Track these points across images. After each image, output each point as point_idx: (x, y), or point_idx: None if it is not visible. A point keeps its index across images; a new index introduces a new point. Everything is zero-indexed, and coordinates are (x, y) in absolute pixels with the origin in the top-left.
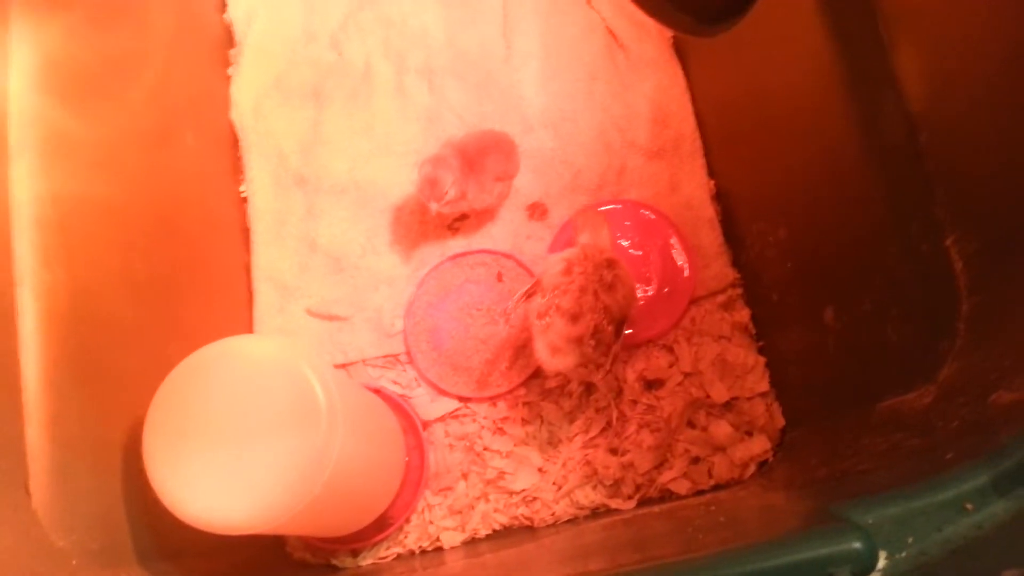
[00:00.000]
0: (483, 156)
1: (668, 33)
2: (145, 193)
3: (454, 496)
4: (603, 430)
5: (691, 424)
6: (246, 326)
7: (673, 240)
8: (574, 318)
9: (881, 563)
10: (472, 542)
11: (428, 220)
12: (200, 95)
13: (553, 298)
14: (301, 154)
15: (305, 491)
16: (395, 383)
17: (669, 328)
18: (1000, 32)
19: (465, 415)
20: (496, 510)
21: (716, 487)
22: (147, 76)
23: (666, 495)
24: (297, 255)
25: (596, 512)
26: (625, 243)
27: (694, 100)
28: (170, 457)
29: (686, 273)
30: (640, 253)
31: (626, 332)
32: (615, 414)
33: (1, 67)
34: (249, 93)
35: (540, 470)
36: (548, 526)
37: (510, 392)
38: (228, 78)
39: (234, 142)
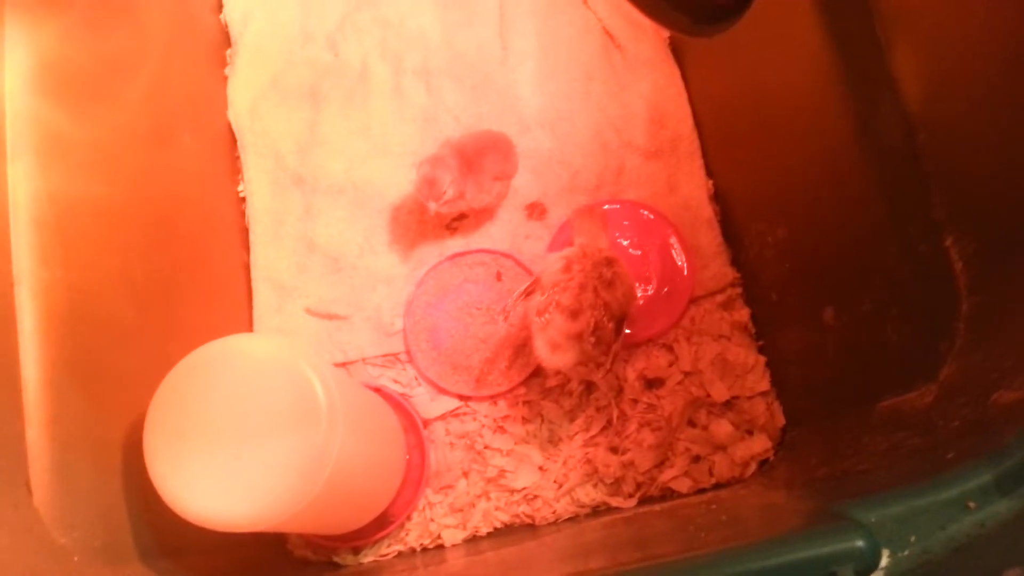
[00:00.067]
0: (481, 156)
1: (664, 33)
2: (143, 193)
3: (455, 494)
4: (604, 429)
5: (692, 423)
6: (245, 325)
7: (672, 240)
8: (574, 315)
9: (884, 561)
10: (473, 540)
11: (426, 220)
12: (197, 95)
13: (553, 295)
14: (298, 154)
15: (306, 489)
16: (395, 382)
17: (669, 327)
18: (998, 32)
19: (465, 413)
20: (497, 508)
21: (717, 486)
22: (143, 76)
23: (667, 493)
24: (295, 255)
25: (597, 510)
26: (624, 243)
27: (691, 100)
28: (171, 455)
29: (685, 273)
30: (639, 253)
31: (626, 332)
32: (615, 413)
33: None
34: (246, 93)
35: (541, 468)
36: (549, 524)
37: (510, 391)
38: (225, 78)
39: (231, 142)
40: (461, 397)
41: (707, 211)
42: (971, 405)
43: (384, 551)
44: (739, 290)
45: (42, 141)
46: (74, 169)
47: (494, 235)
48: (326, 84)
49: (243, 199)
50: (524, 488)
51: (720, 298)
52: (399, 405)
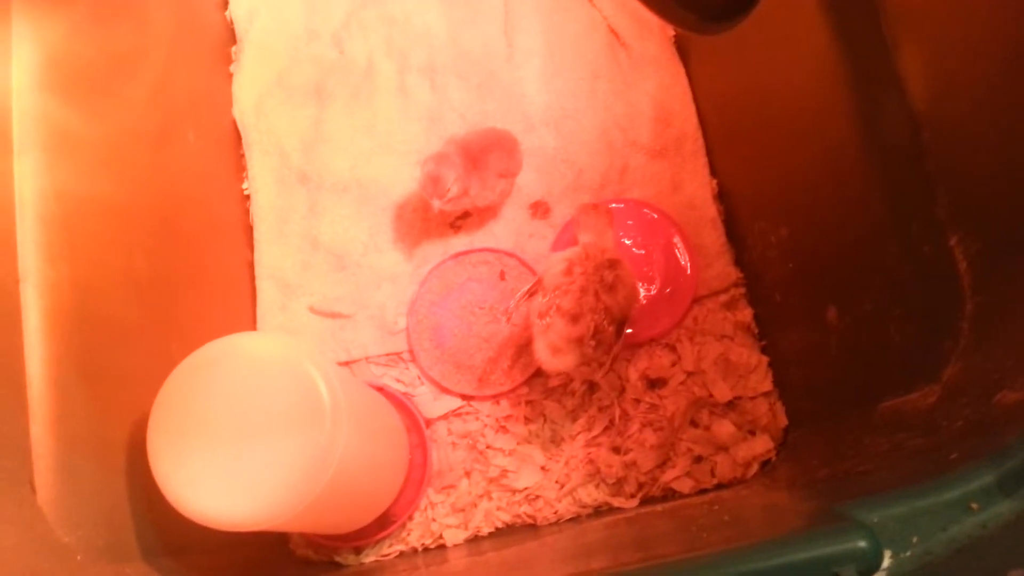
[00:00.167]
0: (486, 153)
1: (670, 31)
2: (148, 190)
3: (457, 494)
4: (606, 429)
5: (694, 423)
6: (249, 324)
7: (676, 239)
8: (574, 319)
9: (886, 562)
10: (475, 540)
11: (430, 218)
12: (202, 93)
13: (554, 298)
14: (303, 152)
15: (309, 489)
16: (398, 381)
17: (672, 327)
18: (1002, 32)
19: (468, 413)
20: (499, 508)
21: (719, 486)
22: (149, 73)
23: (669, 494)
24: (300, 253)
25: (599, 510)
26: (628, 242)
27: (696, 99)
28: (174, 454)
29: (688, 272)
30: (643, 252)
31: (628, 331)
32: (618, 413)
33: (4, 64)
34: (251, 91)
35: (543, 468)
36: (551, 524)
37: (512, 390)
38: (230, 76)
39: (236, 140)
40: (464, 396)
41: (711, 210)
42: (974, 406)
43: (386, 551)
44: (742, 290)
45: (48, 138)
46: (80, 166)
47: (498, 234)
48: (331, 82)
49: (247, 197)
50: (526, 488)
51: (723, 298)
52: (402, 404)
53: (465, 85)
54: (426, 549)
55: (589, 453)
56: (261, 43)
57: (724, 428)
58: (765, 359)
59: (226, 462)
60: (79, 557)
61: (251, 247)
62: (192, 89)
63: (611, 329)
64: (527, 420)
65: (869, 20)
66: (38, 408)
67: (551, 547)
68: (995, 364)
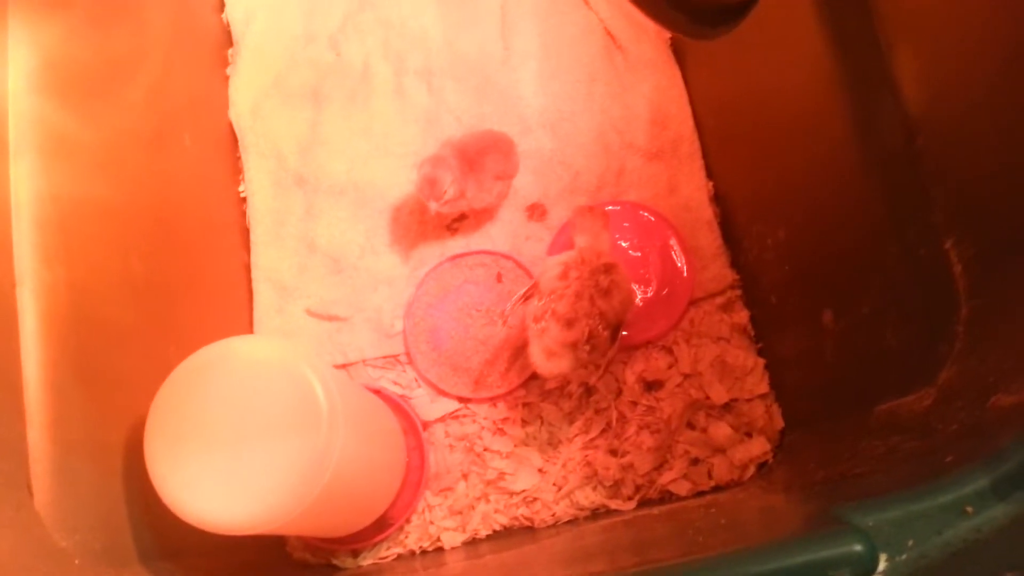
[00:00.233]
0: (482, 155)
1: (666, 34)
2: (144, 193)
3: (454, 496)
4: (603, 431)
5: (691, 425)
6: (246, 326)
7: (672, 241)
8: (569, 323)
9: (881, 565)
10: (473, 543)
11: (427, 220)
12: (198, 95)
13: (549, 303)
14: (300, 155)
15: (306, 492)
16: (395, 384)
17: (668, 329)
18: (997, 36)
19: (465, 416)
20: (496, 511)
21: (716, 488)
22: (145, 76)
23: (666, 496)
24: (296, 255)
25: (596, 513)
26: (624, 244)
27: (692, 102)
28: (172, 457)
29: (685, 274)
30: (639, 254)
31: (624, 333)
32: (615, 415)
33: (0, 67)
34: (248, 93)
35: (540, 471)
36: (548, 527)
37: (510, 393)
38: (227, 78)
39: (233, 142)
40: (461, 399)
41: (707, 213)
42: (969, 409)
43: (383, 554)
44: (739, 292)
45: (45, 141)
46: (76, 169)
47: (495, 236)
48: (328, 84)
49: (244, 199)
50: (523, 491)
51: (720, 300)
52: (399, 407)
53: (462, 88)
54: (424, 552)
55: (586, 455)
56: (258, 46)
57: (721, 430)
58: (762, 361)
59: (223, 465)
60: (76, 561)
61: (248, 250)
62: (188, 92)
63: (606, 334)
64: (524, 422)
65: (864, 24)
66: (35, 411)
67: (549, 550)
68: (990, 368)
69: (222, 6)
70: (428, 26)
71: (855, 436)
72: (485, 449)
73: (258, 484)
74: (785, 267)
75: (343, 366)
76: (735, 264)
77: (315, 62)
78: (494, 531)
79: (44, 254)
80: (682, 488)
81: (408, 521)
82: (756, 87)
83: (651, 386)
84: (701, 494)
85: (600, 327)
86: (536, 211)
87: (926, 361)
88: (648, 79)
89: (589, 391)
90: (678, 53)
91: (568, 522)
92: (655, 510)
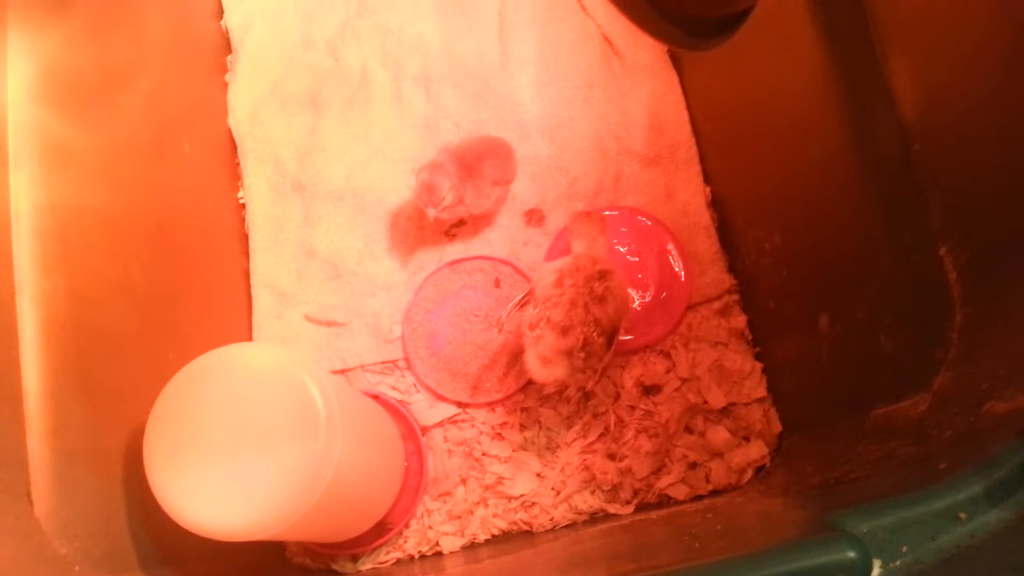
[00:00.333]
0: (480, 161)
1: None
2: (143, 201)
3: (453, 501)
4: (601, 435)
5: (689, 430)
6: (245, 332)
7: (670, 246)
8: (564, 331)
9: (876, 572)
10: (471, 547)
11: (425, 226)
12: (197, 102)
13: (544, 310)
14: (298, 161)
15: (305, 498)
16: (394, 389)
17: (666, 334)
18: (992, 43)
19: (464, 420)
20: (495, 515)
21: (714, 492)
22: (144, 84)
23: (664, 500)
24: (295, 261)
25: (595, 517)
26: (622, 249)
27: (689, 107)
28: (171, 464)
29: (682, 279)
30: (637, 259)
31: (624, 338)
32: (613, 419)
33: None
34: (246, 100)
35: (538, 475)
36: (547, 531)
37: (508, 398)
38: (225, 85)
39: (232, 149)
40: (459, 404)
41: (705, 218)
42: (963, 415)
43: (382, 558)
44: (736, 297)
45: (44, 150)
46: (76, 178)
47: (493, 241)
48: (326, 90)
49: (243, 206)
50: (522, 495)
51: (717, 305)
52: (397, 412)
53: (460, 94)
54: (423, 556)
55: (584, 460)
56: (256, 52)
57: (719, 434)
58: (759, 365)
59: (222, 472)
60: (77, 568)
61: (247, 256)
62: (187, 99)
63: (601, 340)
64: (522, 427)
65: (859, 32)
66: (35, 419)
67: (547, 555)
68: (984, 374)
69: (220, 13)
70: (426, 32)
71: (852, 440)
72: (484, 454)
73: (257, 490)
74: (782, 272)
75: (342, 371)
76: (732, 269)
77: (313, 68)
78: (493, 536)
79: (44, 263)
80: (680, 492)
81: (407, 526)
82: (753, 93)
83: (649, 390)
84: (699, 498)
85: (595, 334)
86: (534, 216)
87: (921, 367)
88: (646, 85)
89: (587, 396)
90: (675, 59)
91: (566, 526)
92: (653, 514)
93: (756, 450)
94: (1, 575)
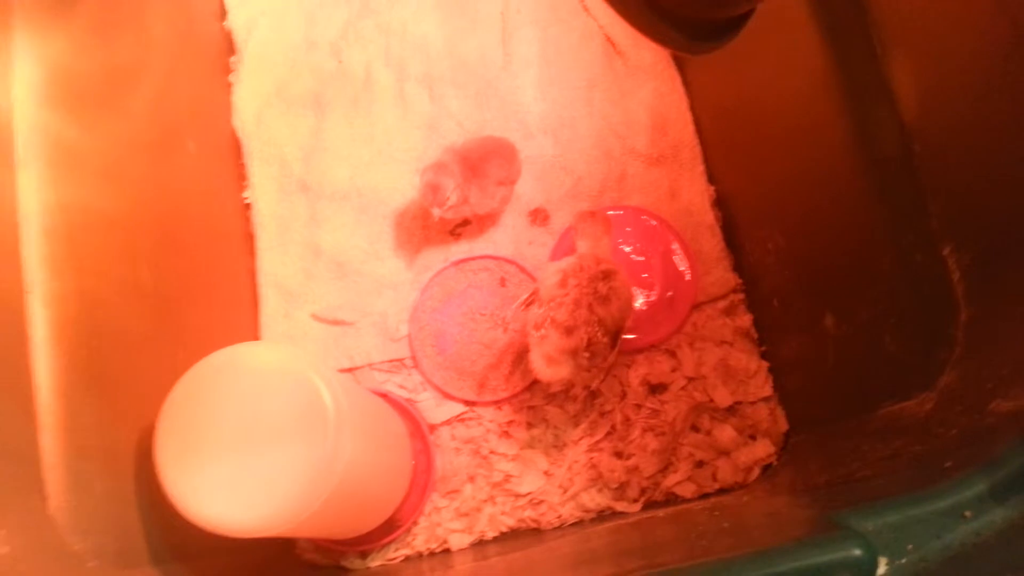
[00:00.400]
0: (485, 161)
1: None
2: (150, 201)
3: (461, 499)
4: (608, 434)
5: (695, 428)
6: (252, 331)
7: (675, 246)
8: (568, 331)
9: (881, 569)
10: (479, 544)
11: (430, 225)
12: (202, 103)
13: (549, 311)
14: (303, 161)
15: (314, 496)
16: (401, 387)
17: (672, 333)
18: (992, 44)
19: (471, 419)
20: (503, 513)
21: (720, 491)
22: (149, 85)
23: (671, 498)
24: (301, 261)
25: (602, 515)
26: (627, 249)
27: (693, 107)
28: (182, 462)
29: (688, 278)
30: (642, 259)
31: (629, 337)
32: (619, 418)
33: (6, 79)
34: (251, 101)
35: (546, 473)
36: (554, 529)
37: (514, 396)
38: (229, 86)
39: (237, 149)
40: (466, 402)
41: (709, 217)
42: (968, 414)
43: (391, 555)
44: (741, 296)
45: (51, 151)
46: (83, 179)
47: (498, 241)
48: (330, 91)
49: (249, 206)
50: (529, 493)
51: (722, 304)
52: (405, 410)
53: (463, 94)
54: (431, 554)
55: (591, 458)
56: (260, 53)
57: (725, 433)
58: (765, 364)
59: (232, 470)
60: (90, 564)
61: (253, 255)
62: (192, 100)
63: (605, 340)
64: (529, 425)
65: (860, 33)
66: (47, 418)
67: (555, 552)
68: (989, 373)
69: (224, 14)
70: (429, 33)
71: (857, 439)
72: (491, 452)
73: (267, 488)
74: (787, 271)
75: (349, 370)
76: (738, 268)
77: (317, 69)
78: (501, 533)
79: (53, 263)
80: (687, 490)
81: (416, 523)
82: (755, 93)
83: (655, 389)
84: (706, 496)
85: (599, 334)
86: (539, 216)
87: (926, 366)
88: (648, 84)
89: (593, 394)
90: (678, 59)
91: (574, 524)
92: (660, 512)
93: (762, 449)
94: (16, 571)
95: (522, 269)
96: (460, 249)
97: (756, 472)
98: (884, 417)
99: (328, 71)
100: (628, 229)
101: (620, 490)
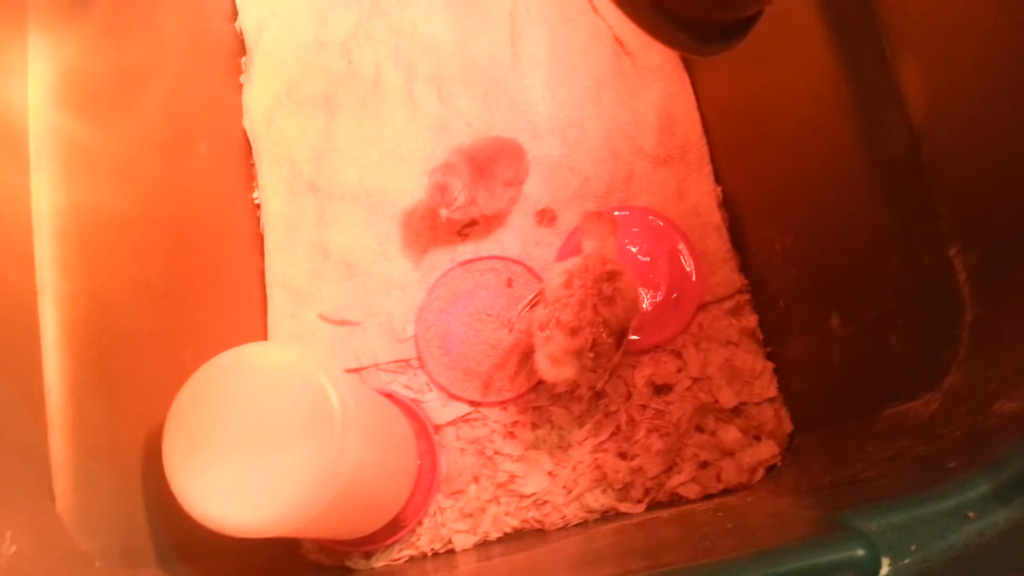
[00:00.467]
0: (493, 162)
1: None
2: (161, 202)
3: (465, 499)
4: (612, 434)
5: (700, 429)
6: (260, 331)
7: (681, 246)
8: (573, 332)
9: (884, 570)
10: (483, 545)
11: (438, 226)
12: (213, 104)
13: (554, 311)
14: (313, 161)
15: (320, 496)
16: (407, 387)
17: (677, 333)
18: (1001, 45)
19: (476, 419)
20: (507, 513)
21: (725, 491)
22: (161, 86)
23: (675, 499)
24: (310, 261)
25: (606, 515)
26: (633, 249)
27: (700, 107)
28: (189, 462)
29: (694, 279)
30: (648, 259)
31: (633, 338)
32: (624, 419)
33: (21, 81)
34: (261, 101)
35: (550, 474)
36: (558, 529)
37: (519, 397)
38: (240, 86)
39: (247, 150)
40: (472, 403)
41: (716, 217)
42: (973, 415)
43: (396, 555)
44: (747, 296)
45: (64, 152)
46: (95, 180)
47: (505, 241)
48: (340, 92)
49: (258, 206)
50: (534, 493)
51: (728, 304)
52: (410, 411)
53: (472, 94)
54: (435, 554)
55: (596, 459)
56: (270, 54)
57: (730, 434)
58: (770, 365)
59: (239, 470)
60: (97, 563)
61: (262, 255)
62: (203, 100)
63: (610, 341)
64: (534, 426)
65: (869, 34)
66: (56, 418)
67: (559, 553)
68: (994, 374)
69: (235, 15)
70: (438, 33)
71: (862, 440)
72: (496, 452)
73: (273, 488)
74: (793, 272)
75: (355, 370)
76: (744, 269)
77: (327, 70)
78: (505, 533)
79: (64, 264)
80: (691, 491)
81: (420, 523)
82: (764, 94)
83: (660, 390)
84: (710, 497)
85: (604, 334)
86: (546, 216)
87: (931, 367)
88: (656, 85)
89: (598, 395)
90: (686, 59)
91: (578, 524)
92: (664, 513)
93: (767, 449)
94: (24, 570)
95: (529, 270)
96: (467, 249)
97: (760, 473)
98: (889, 418)
99: (338, 72)
100: (635, 229)
101: (624, 491)
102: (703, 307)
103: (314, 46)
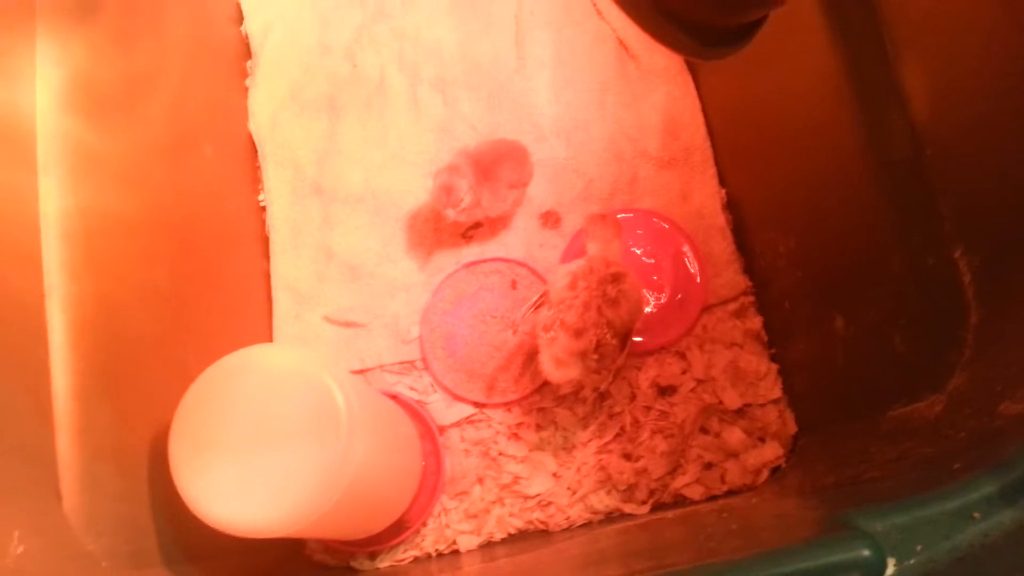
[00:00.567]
0: (497, 164)
1: None
2: (167, 204)
3: (470, 500)
4: (617, 436)
5: (704, 430)
6: (265, 333)
7: (685, 248)
8: (577, 333)
9: (890, 570)
10: (488, 546)
11: (442, 228)
12: (218, 107)
13: (558, 313)
14: (317, 164)
15: (325, 497)
16: (411, 389)
17: (682, 335)
18: (1004, 46)
19: (480, 420)
20: (511, 514)
21: (729, 493)
22: (167, 89)
23: (680, 500)
24: (314, 263)
25: (610, 517)
26: (638, 251)
27: (705, 110)
28: (195, 463)
29: (698, 281)
30: (652, 261)
31: (638, 340)
32: (628, 420)
33: (29, 86)
34: (266, 104)
35: (555, 475)
36: (563, 530)
37: (524, 398)
38: (245, 89)
39: (252, 153)
40: (476, 404)
41: (720, 220)
42: (978, 416)
43: (400, 556)
44: (751, 298)
45: (71, 156)
46: (102, 183)
47: (509, 243)
48: (344, 95)
49: (263, 208)
50: (538, 494)
51: (733, 306)
52: (415, 412)
53: (476, 97)
54: (440, 555)
55: (600, 460)
56: (275, 58)
57: (734, 435)
58: (775, 367)
59: (245, 471)
60: (104, 564)
61: (267, 258)
62: (209, 104)
63: (614, 342)
64: (539, 427)
65: (872, 36)
66: (63, 419)
67: (564, 553)
68: (998, 376)
69: (240, 19)
70: (442, 36)
71: (866, 441)
72: (500, 454)
73: (279, 489)
74: (797, 273)
75: (360, 372)
76: (748, 270)
77: (331, 73)
78: (509, 534)
79: (71, 267)
80: (695, 492)
81: (424, 524)
82: (767, 97)
83: (664, 391)
84: (714, 498)
85: (608, 336)
86: (550, 218)
87: (936, 368)
88: (661, 88)
89: (603, 396)
90: (690, 62)
91: (582, 526)
92: (669, 514)
93: (771, 451)
94: (31, 570)
95: (533, 272)
96: (472, 251)
97: (765, 474)
98: (894, 419)
99: (342, 75)
100: (639, 232)
101: (629, 492)
102: (707, 309)
103: (318, 49)
